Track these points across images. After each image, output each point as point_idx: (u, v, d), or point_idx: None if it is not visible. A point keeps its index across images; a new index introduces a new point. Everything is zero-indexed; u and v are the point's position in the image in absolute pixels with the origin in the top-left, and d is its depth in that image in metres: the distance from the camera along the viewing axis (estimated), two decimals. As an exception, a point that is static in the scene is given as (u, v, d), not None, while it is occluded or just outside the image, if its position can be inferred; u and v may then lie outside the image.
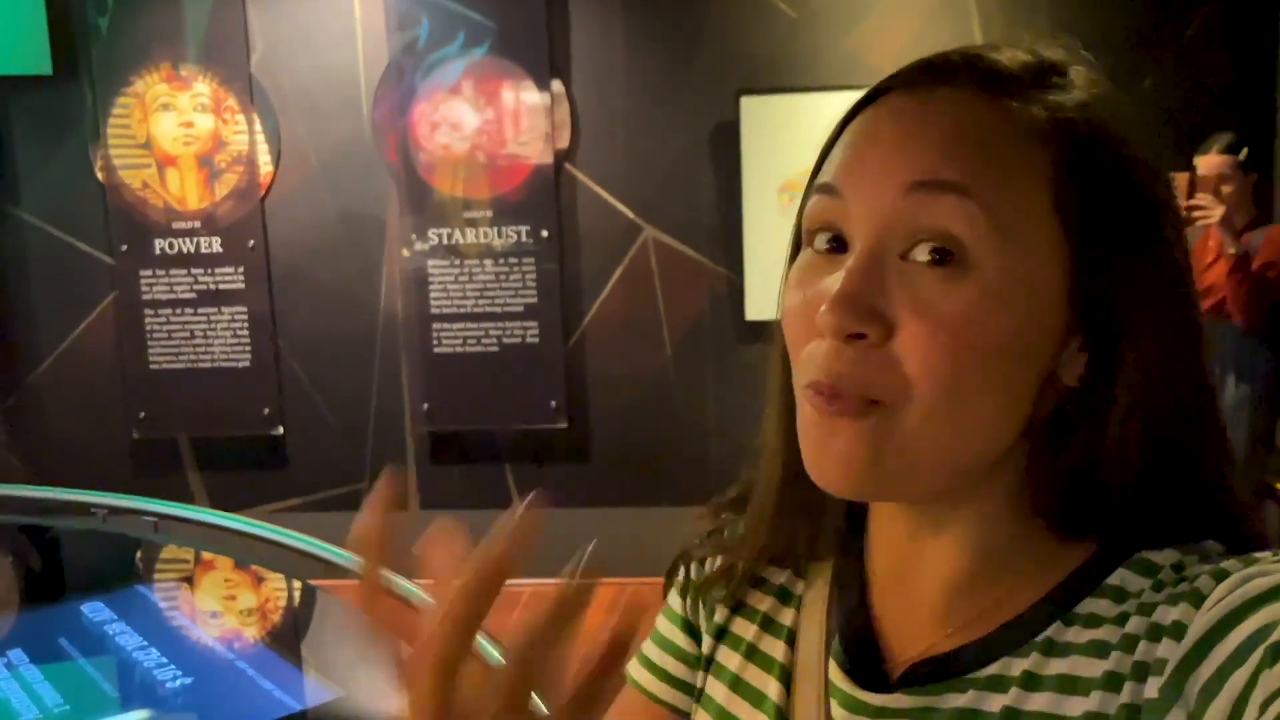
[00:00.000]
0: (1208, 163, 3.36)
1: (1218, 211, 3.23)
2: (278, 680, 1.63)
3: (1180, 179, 3.27)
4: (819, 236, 0.58)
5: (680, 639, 0.73)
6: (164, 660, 1.71)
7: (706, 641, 0.71)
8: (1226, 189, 3.30)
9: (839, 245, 0.57)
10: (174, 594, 2.22)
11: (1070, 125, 0.55)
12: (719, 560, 0.72)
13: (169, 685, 1.63)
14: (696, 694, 0.71)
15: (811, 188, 0.59)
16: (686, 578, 0.74)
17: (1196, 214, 3.25)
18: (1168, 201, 0.57)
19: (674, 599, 0.75)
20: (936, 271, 0.53)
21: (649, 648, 0.75)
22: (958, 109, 0.55)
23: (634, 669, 0.75)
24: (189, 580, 2.33)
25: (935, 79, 0.56)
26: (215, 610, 2.13)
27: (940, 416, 0.53)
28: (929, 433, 0.54)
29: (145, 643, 1.78)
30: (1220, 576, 0.51)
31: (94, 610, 1.94)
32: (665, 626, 0.75)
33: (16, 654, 1.77)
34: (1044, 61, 0.57)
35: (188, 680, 1.65)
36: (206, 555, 2.36)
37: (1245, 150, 3.34)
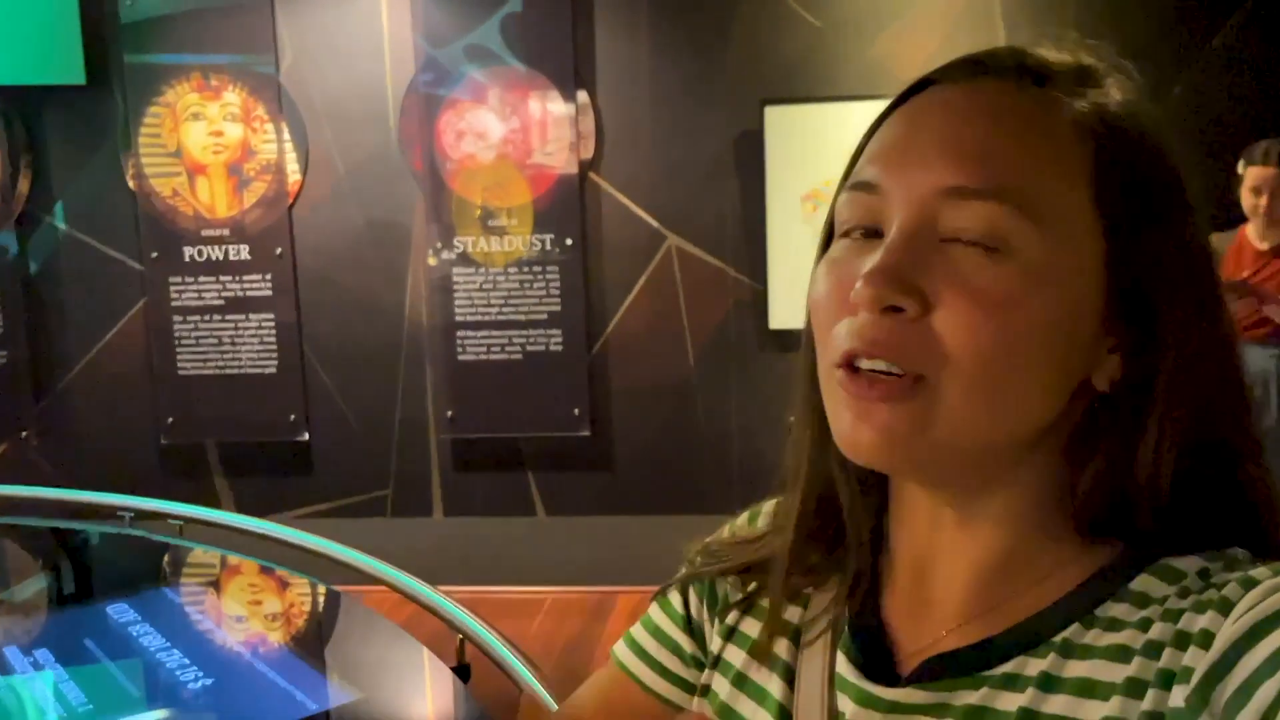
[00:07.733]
0: (1258, 173, 3.34)
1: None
2: (299, 682, 1.64)
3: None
4: (853, 233, 0.57)
5: (679, 636, 0.74)
6: (186, 662, 1.73)
7: (716, 641, 0.71)
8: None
9: (873, 234, 0.56)
10: (198, 596, 2.24)
11: (1114, 123, 0.55)
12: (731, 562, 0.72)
13: (191, 686, 1.65)
14: (701, 689, 0.71)
15: (843, 186, 0.59)
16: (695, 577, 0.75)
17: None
18: (1199, 210, 0.57)
19: (674, 596, 0.75)
20: (977, 251, 0.53)
21: (644, 639, 0.76)
22: (1001, 99, 0.56)
23: (625, 657, 0.76)
24: (213, 583, 2.35)
25: (982, 71, 0.57)
26: (238, 613, 2.14)
27: (980, 392, 0.53)
28: (968, 408, 0.53)
29: (169, 644, 1.79)
30: (1249, 585, 0.51)
31: (119, 612, 1.95)
32: (664, 621, 0.75)
33: (43, 654, 1.79)
34: (1085, 64, 0.58)
35: (209, 681, 1.66)
36: (231, 559, 2.38)
37: None
